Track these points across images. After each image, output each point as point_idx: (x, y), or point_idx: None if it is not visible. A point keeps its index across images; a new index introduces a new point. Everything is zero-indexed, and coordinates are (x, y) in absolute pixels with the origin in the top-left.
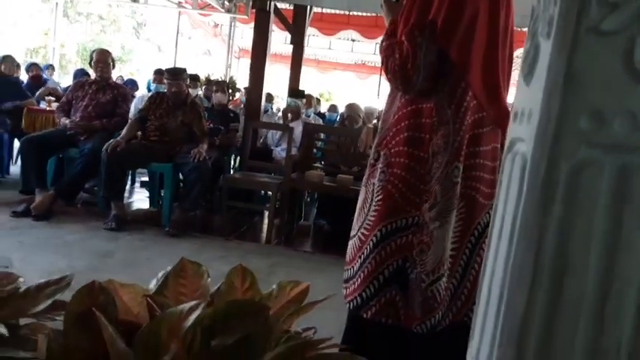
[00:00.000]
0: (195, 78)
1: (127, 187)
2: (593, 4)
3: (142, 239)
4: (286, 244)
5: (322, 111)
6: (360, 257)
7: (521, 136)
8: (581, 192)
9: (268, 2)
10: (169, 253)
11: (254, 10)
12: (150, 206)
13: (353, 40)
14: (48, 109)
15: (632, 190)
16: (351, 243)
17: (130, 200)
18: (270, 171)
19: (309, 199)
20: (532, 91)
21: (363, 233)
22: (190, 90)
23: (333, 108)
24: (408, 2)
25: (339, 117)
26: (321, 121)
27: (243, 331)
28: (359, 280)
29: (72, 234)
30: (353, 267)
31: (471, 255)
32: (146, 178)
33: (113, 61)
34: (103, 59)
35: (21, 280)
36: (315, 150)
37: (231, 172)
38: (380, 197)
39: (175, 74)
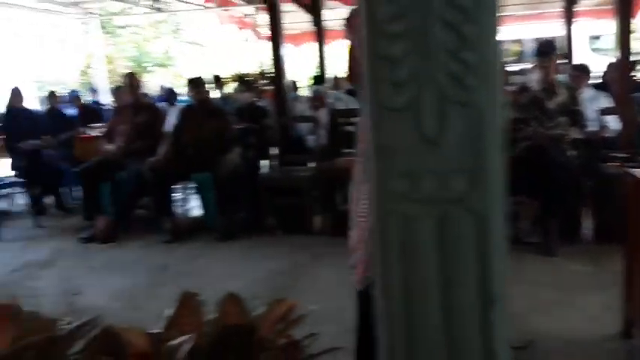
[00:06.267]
0: (217, 79)
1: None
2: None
3: (196, 248)
4: (331, 233)
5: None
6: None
7: None
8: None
9: None
10: (222, 258)
11: None
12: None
13: None
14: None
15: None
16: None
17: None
18: (305, 162)
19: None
20: None
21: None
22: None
23: None
24: None
25: None
26: (353, 99)
27: (232, 355)
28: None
29: (132, 252)
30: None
31: None
32: None
33: (138, 81)
34: (129, 83)
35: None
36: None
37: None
38: None
39: (196, 84)
